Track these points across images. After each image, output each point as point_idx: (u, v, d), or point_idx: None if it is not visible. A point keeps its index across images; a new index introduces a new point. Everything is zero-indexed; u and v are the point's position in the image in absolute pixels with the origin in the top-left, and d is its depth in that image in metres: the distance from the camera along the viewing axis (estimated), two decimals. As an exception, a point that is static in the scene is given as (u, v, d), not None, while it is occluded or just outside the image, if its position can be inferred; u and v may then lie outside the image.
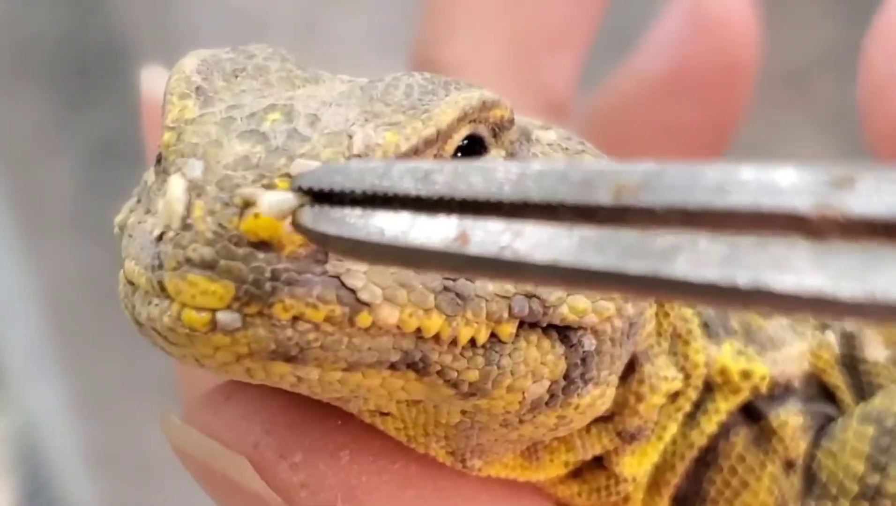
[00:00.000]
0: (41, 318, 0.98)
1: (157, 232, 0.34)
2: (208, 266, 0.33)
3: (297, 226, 0.32)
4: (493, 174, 0.28)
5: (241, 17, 0.90)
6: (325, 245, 0.31)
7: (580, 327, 0.37)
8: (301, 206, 0.32)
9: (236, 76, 0.38)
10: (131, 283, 0.36)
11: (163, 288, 0.34)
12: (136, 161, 0.57)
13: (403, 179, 0.29)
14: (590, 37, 0.60)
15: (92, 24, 0.91)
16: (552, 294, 0.37)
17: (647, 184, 0.26)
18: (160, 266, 0.34)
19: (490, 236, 0.27)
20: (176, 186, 0.34)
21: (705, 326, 0.44)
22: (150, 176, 0.39)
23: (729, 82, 0.61)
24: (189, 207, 0.33)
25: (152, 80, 0.48)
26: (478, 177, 0.28)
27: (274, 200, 0.32)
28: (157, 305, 0.34)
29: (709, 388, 0.45)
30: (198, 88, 0.37)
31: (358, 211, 0.30)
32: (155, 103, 0.47)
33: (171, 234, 0.33)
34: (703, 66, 0.60)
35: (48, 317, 0.98)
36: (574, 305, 0.37)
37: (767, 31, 0.62)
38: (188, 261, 0.33)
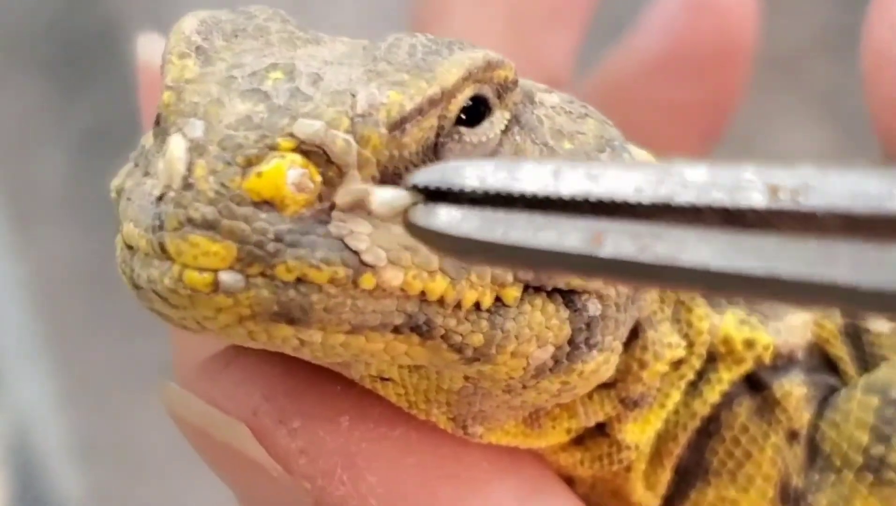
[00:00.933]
0: (31, 308, 0.97)
1: (157, 192, 0.34)
2: (210, 226, 0.32)
3: (409, 225, 0.30)
4: (630, 176, 0.27)
5: (232, 2, 0.89)
6: (440, 246, 0.30)
7: (585, 292, 0.37)
8: (414, 203, 0.30)
9: (236, 36, 0.37)
10: (130, 246, 0.35)
11: (163, 249, 0.33)
12: (129, 149, 0.57)
13: (531, 179, 0.28)
14: (588, 14, 0.60)
15: (82, 11, 0.91)
16: None
17: (806, 186, 0.25)
18: (161, 227, 0.33)
19: (626, 238, 0.26)
20: (177, 145, 0.33)
21: None
22: (147, 140, 0.39)
23: (727, 63, 0.60)
24: (190, 167, 0.33)
25: (148, 47, 0.48)
26: (613, 179, 0.27)
27: (387, 197, 0.31)
28: (157, 266, 0.34)
29: (712, 358, 0.44)
30: (198, 48, 0.36)
31: (476, 211, 0.28)
32: (151, 71, 0.46)
33: (171, 194, 0.33)
34: (701, 47, 0.60)
35: (38, 307, 0.97)
36: None
37: (762, 15, 0.62)
38: (190, 221, 0.33)
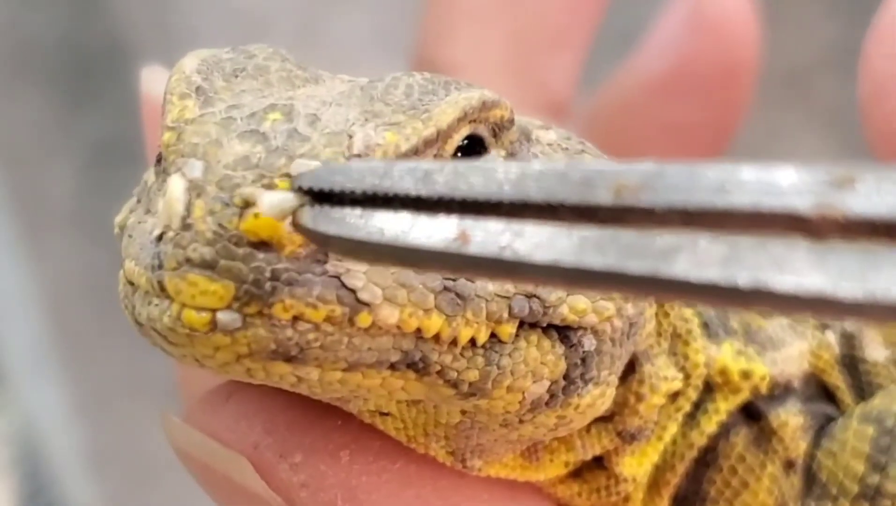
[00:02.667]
0: (41, 318, 0.98)
1: (157, 232, 0.34)
2: (208, 266, 0.33)
3: (297, 226, 0.32)
4: (493, 174, 0.28)
5: (242, 17, 0.90)
6: (326, 245, 0.31)
7: (580, 327, 0.37)
8: (301, 206, 0.32)
9: (236, 76, 0.38)
10: (131, 283, 0.36)
11: (163, 288, 0.34)
12: (137, 162, 0.57)
13: (404, 179, 0.29)
14: (590, 36, 0.60)
15: (92, 26, 0.91)
16: (552, 294, 0.37)
17: (647, 183, 0.26)
18: (160, 266, 0.34)
19: (490, 236, 0.27)
20: (176, 185, 0.34)
21: (705, 326, 0.44)
22: (150, 176, 0.39)
23: (729, 82, 0.61)
24: (189, 207, 0.33)
25: (152, 80, 0.48)
26: (478, 177, 0.28)
27: (274, 200, 0.32)
28: (157, 305, 0.34)
29: (709, 388, 0.45)
30: (198, 88, 0.37)
31: (358, 211, 0.30)
32: (155, 103, 0.47)
33: (170, 234, 0.33)
34: (704, 66, 0.60)
35: (48, 318, 0.98)
36: (574, 305, 0.37)
37: (767, 31, 0.62)
38: (188, 261, 0.33)
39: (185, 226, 0.33)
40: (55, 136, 0.94)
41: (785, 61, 0.75)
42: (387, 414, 0.38)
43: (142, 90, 0.48)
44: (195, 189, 0.33)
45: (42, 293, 0.97)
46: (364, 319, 0.34)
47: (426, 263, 0.29)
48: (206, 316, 0.33)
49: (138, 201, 0.39)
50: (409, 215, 0.29)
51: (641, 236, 0.25)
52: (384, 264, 0.33)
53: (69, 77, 0.93)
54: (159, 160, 0.37)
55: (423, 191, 0.29)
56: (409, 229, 0.29)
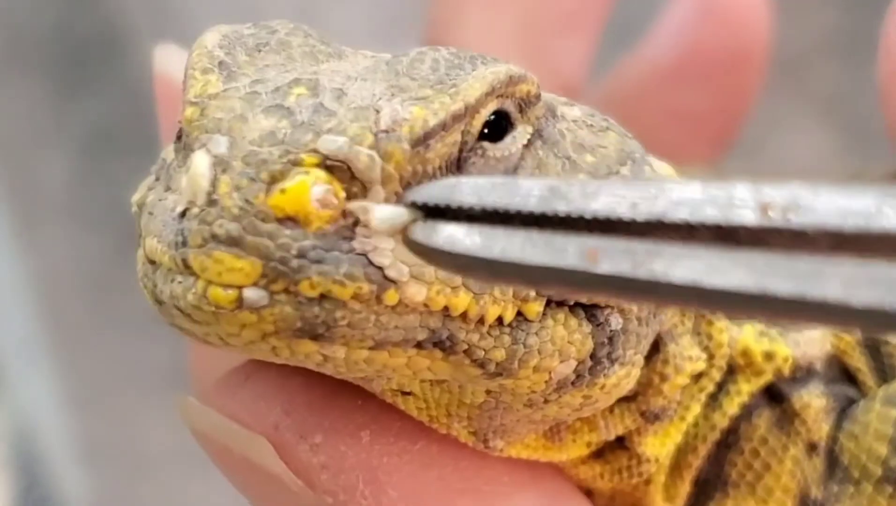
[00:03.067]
0: (34, 310, 0.97)
1: (180, 208, 0.34)
2: (234, 243, 0.32)
3: (408, 242, 0.30)
4: (624, 193, 0.27)
5: (237, 4, 0.89)
6: (439, 262, 0.30)
7: (607, 306, 0.37)
8: (413, 221, 0.30)
9: (259, 51, 0.37)
10: (152, 261, 0.35)
11: (187, 265, 0.33)
12: (132, 151, 0.56)
13: (525, 195, 0.28)
14: (602, 21, 0.60)
15: (85, 13, 0.90)
16: None
17: (796, 204, 0.25)
18: (184, 243, 0.33)
19: (621, 255, 0.26)
20: (201, 161, 0.33)
21: None
22: (168, 154, 0.39)
23: (739, 69, 0.61)
24: (214, 183, 0.33)
25: (165, 59, 0.48)
26: (607, 196, 0.27)
27: (386, 214, 0.31)
28: (180, 282, 0.33)
29: (731, 369, 0.44)
30: (221, 63, 0.36)
31: (475, 228, 0.28)
32: (168, 82, 0.46)
33: (195, 210, 0.33)
34: (714, 53, 0.60)
35: (42, 309, 0.97)
36: None
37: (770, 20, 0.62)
38: (214, 237, 0.32)
39: (211, 202, 0.33)
40: (49, 125, 0.93)
41: (786, 49, 0.75)
42: (409, 394, 0.38)
43: (155, 68, 0.48)
44: (220, 165, 0.33)
45: (36, 284, 0.96)
46: (391, 297, 0.33)
47: (551, 282, 0.28)
48: (232, 293, 0.33)
49: (157, 179, 0.38)
50: (532, 233, 0.28)
51: (785, 258, 0.25)
52: (505, 283, 0.32)
53: (63, 66, 0.92)
54: (179, 137, 0.36)
55: (547, 208, 0.28)
56: (532, 247, 0.27)
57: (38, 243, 0.95)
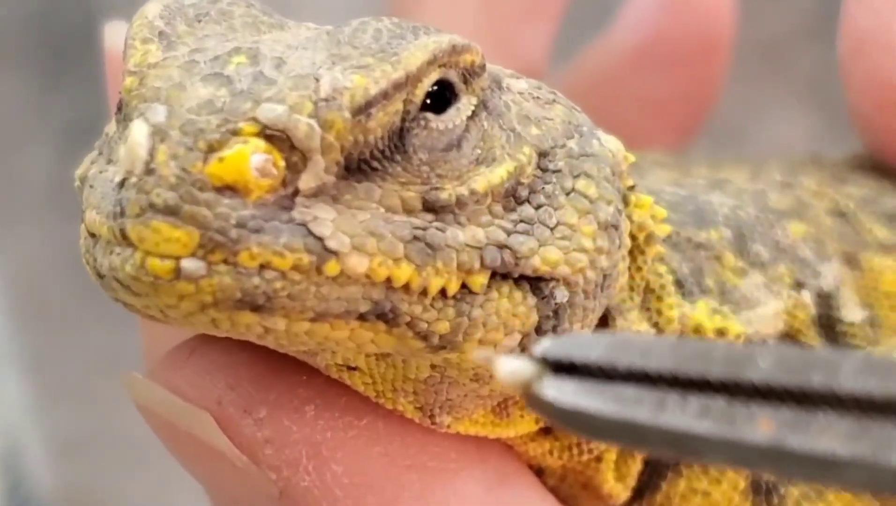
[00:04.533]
0: (11, 304, 0.97)
1: (118, 178, 0.33)
2: (172, 212, 0.32)
3: (530, 397, 0.28)
4: (762, 357, 0.27)
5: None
6: (568, 421, 0.28)
7: (552, 279, 0.37)
8: (539, 376, 0.28)
9: (199, 21, 0.37)
10: (92, 235, 0.35)
11: (125, 236, 0.33)
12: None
13: (663, 357, 0.27)
14: (564, 6, 0.59)
15: (63, 3, 0.90)
16: (524, 245, 0.36)
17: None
18: (122, 213, 0.33)
19: (767, 422, 0.26)
20: (138, 130, 0.33)
21: (679, 283, 0.44)
22: (111, 128, 0.38)
23: (705, 55, 0.60)
24: (152, 152, 0.33)
25: (115, 35, 0.47)
26: (767, 361, 0.26)
27: (515, 368, 0.28)
28: (119, 253, 0.33)
29: None
30: (160, 33, 0.36)
31: (607, 387, 0.27)
32: (118, 59, 0.46)
33: (133, 179, 0.33)
34: (679, 41, 0.60)
35: (19, 303, 0.97)
36: (546, 256, 0.36)
37: (743, 2, 0.62)
38: (151, 206, 0.32)
39: (148, 171, 0.32)
40: (27, 118, 0.93)
41: (764, 32, 0.75)
42: (354, 369, 0.38)
43: (104, 45, 0.48)
44: (158, 134, 0.33)
45: (13, 277, 0.96)
46: (332, 268, 0.33)
47: (698, 450, 0.26)
48: (169, 264, 0.32)
49: (99, 153, 0.38)
50: (662, 393, 0.27)
51: None
52: (644, 449, 0.30)
53: (41, 58, 0.92)
54: (120, 108, 0.36)
55: (679, 370, 0.27)
56: (666, 409, 0.26)
57: (16, 237, 0.95)
